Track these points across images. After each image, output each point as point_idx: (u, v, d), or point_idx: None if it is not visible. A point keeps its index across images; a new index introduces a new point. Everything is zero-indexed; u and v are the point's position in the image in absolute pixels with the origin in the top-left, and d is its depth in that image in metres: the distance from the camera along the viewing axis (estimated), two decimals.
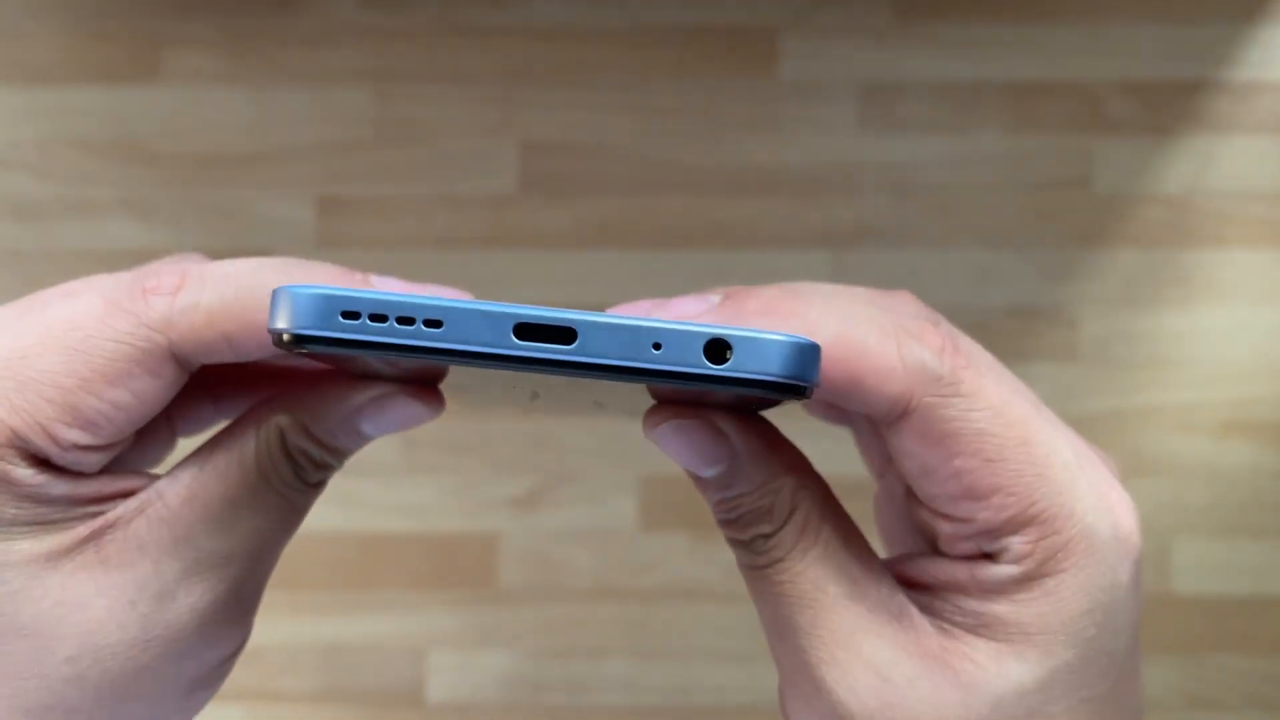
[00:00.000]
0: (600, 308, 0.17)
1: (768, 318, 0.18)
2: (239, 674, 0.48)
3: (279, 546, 0.21)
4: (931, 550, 0.20)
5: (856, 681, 0.18)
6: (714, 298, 0.19)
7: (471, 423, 0.49)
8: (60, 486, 0.18)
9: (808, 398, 0.16)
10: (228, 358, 0.19)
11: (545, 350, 0.16)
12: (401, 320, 0.16)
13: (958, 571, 0.19)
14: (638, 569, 0.48)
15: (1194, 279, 0.48)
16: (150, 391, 0.18)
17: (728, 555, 0.48)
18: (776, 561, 0.19)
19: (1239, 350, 0.48)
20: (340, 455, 0.21)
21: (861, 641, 0.18)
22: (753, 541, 0.19)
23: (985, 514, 0.18)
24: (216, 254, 0.48)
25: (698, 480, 0.20)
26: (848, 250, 0.48)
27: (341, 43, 0.49)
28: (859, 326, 0.18)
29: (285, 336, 0.16)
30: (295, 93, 0.49)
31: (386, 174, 0.49)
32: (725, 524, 0.20)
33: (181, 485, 0.19)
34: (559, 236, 0.48)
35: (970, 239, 0.48)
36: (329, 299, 0.16)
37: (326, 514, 0.48)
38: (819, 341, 0.17)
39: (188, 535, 0.19)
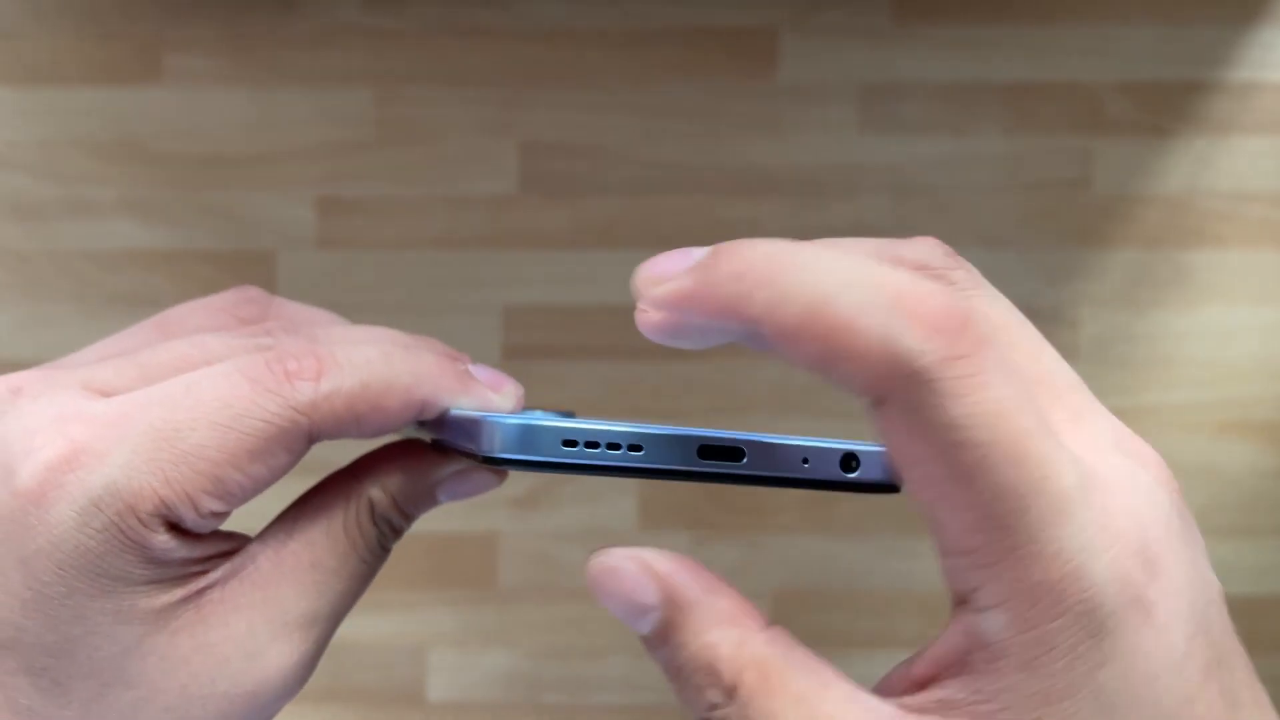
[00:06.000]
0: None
1: (740, 283, 0.16)
2: None
3: (351, 607, 0.23)
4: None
5: None
6: (698, 253, 0.17)
7: None
8: (183, 550, 0.20)
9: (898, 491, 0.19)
10: (352, 435, 0.21)
11: (725, 467, 0.19)
12: (610, 446, 0.19)
13: (954, 638, 0.16)
14: None
15: (1193, 279, 0.48)
16: (282, 466, 0.20)
17: (727, 555, 0.48)
18: None
19: (1238, 350, 0.48)
20: (412, 521, 0.23)
21: None
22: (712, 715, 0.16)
23: (958, 531, 0.15)
24: (218, 254, 0.49)
25: (646, 644, 0.17)
26: None
27: (342, 44, 0.49)
28: (840, 296, 0.15)
29: (507, 460, 0.19)
30: (296, 94, 0.49)
31: (387, 174, 0.49)
32: (682, 699, 0.17)
33: (271, 550, 0.21)
34: (559, 237, 0.49)
35: (970, 239, 0.48)
36: (549, 431, 0.19)
37: None
38: (784, 316, 0.15)
39: (277, 599, 0.21)
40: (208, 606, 0.20)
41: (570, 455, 0.19)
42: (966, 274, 0.18)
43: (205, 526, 0.20)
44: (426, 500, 0.22)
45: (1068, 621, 0.15)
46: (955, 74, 0.48)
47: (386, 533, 0.22)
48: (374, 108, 0.49)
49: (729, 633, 0.16)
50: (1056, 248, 0.48)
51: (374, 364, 0.20)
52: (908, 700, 0.16)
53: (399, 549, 0.53)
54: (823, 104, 0.49)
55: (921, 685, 0.16)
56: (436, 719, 0.49)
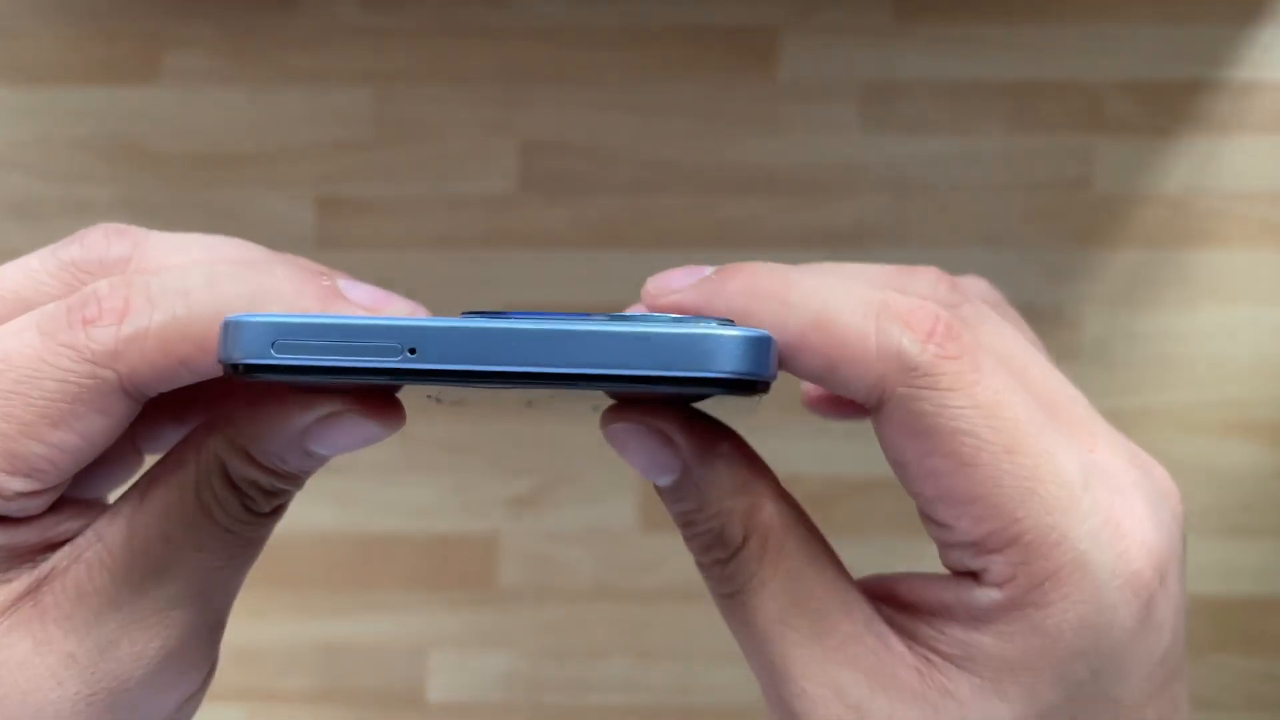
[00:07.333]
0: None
1: (747, 297, 0.17)
2: (239, 674, 0.48)
3: (234, 582, 0.19)
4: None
5: (829, 716, 0.17)
6: (706, 270, 0.18)
7: (471, 422, 0.49)
8: (8, 536, 0.17)
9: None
10: (185, 381, 0.17)
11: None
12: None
13: (945, 593, 0.17)
14: (638, 569, 0.48)
15: (1194, 279, 0.48)
16: (99, 430, 0.17)
17: None
18: (737, 591, 0.18)
19: (1239, 350, 0.48)
20: (294, 480, 0.19)
21: (834, 675, 0.17)
22: (711, 567, 0.18)
23: (963, 523, 0.16)
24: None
25: (659, 490, 0.18)
26: (848, 250, 0.48)
27: (341, 43, 0.49)
28: (840, 309, 0.16)
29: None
30: (295, 93, 0.49)
31: (386, 174, 0.49)
32: (687, 542, 0.18)
33: (120, 525, 0.18)
34: (559, 236, 0.48)
35: (970, 239, 0.48)
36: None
37: (325, 513, 0.48)
38: (788, 328, 0.16)
39: (127, 579, 0.17)
40: (47, 598, 0.17)
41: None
42: (972, 308, 0.19)
43: (24, 509, 0.17)
44: (295, 454, 0.18)
45: (1061, 608, 0.16)
46: (956, 73, 0.48)
47: (253, 495, 0.18)
48: (374, 107, 0.49)
49: (741, 500, 0.17)
50: (1057, 247, 0.48)
51: (194, 292, 0.17)
52: (883, 609, 0.18)
53: (399, 549, 0.53)
54: (823, 103, 0.48)
55: (900, 607, 0.18)
56: None
